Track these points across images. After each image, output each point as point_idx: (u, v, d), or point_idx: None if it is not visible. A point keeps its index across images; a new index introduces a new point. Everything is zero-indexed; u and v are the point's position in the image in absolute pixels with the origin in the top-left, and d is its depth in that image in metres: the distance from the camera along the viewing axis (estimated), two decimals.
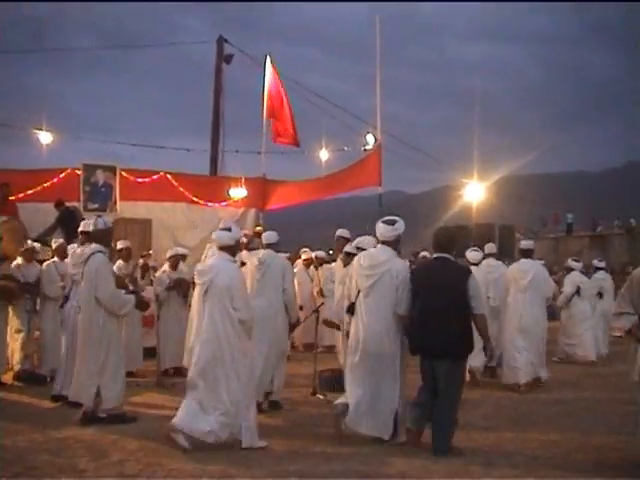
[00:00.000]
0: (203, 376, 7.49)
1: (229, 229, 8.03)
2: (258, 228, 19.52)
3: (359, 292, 7.94)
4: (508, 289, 12.05)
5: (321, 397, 10.42)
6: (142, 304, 9.43)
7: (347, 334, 8.35)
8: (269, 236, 10.27)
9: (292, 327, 10.25)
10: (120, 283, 9.09)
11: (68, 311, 10.03)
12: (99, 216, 9.17)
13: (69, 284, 10.29)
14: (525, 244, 12.48)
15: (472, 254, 12.51)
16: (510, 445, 7.87)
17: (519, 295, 11.84)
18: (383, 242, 8.01)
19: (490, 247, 13.30)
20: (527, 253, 12.19)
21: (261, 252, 10.00)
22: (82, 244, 10.31)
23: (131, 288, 9.38)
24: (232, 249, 7.98)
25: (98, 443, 7.61)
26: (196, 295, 8.48)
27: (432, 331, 7.39)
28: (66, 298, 10.22)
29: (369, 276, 7.84)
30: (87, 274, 8.62)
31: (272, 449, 7.46)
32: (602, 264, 17.78)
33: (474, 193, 29.29)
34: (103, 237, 8.88)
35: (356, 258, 8.31)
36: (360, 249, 9.57)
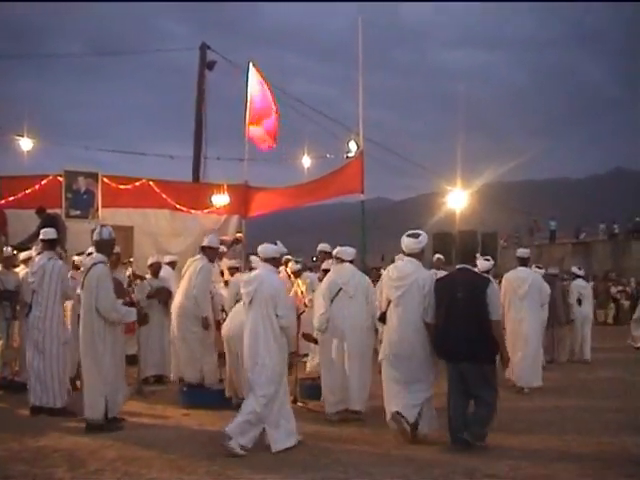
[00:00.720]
0: (248, 380, 8.04)
1: (275, 243, 8.69)
2: (238, 234, 19.52)
3: (389, 302, 8.43)
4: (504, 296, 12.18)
5: (302, 405, 10.39)
6: (143, 318, 9.47)
7: (381, 342, 8.79)
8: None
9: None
10: (120, 293, 9.24)
11: (32, 321, 9.93)
12: (103, 225, 9.25)
13: (29, 293, 10.29)
14: (522, 252, 12.96)
15: (482, 263, 12.33)
16: (492, 454, 7.84)
17: (517, 302, 12.22)
18: (409, 254, 8.57)
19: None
20: (524, 261, 12.72)
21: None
22: (40, 252, 10.32)
23: (132, 300, 9.41)
24: (276, 261, 8.60)
25: (76, 452, 7.56)
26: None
27: (457, 337, 7.91)
28: (29, 307, 10.10)
29: (398, 287, 8.37)
30: (87, 285, 8.69)
31: (251, 459, 7.41)
32: (581, 272, 17.88)
33: (457, 200, 29.32)
34: (106, 247, 9.00)
35: (385, 271, 8.98)
36: (339, 259, 9.79)
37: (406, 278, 8.35)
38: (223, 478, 6.75)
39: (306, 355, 13.51)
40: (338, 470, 7.05)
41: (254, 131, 22.39)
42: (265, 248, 8.51)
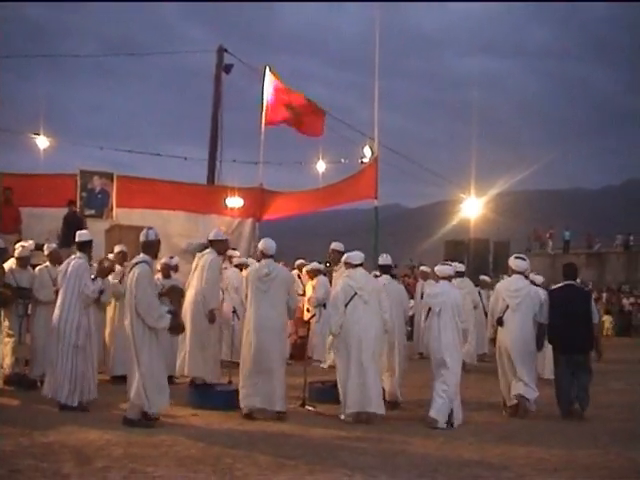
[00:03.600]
0: (448, 368, 9.87)
1: (449, 264, 11.02)
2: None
3: (506, 309, 10.79)
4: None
5: (310, 408, 10.43)
6: (177, 327, 9.53)
7: (492, 340, 11.34)
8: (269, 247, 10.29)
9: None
10: (170, 296, 9.74)
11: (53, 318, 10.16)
12: (150, 228, 9.54)
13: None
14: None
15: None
16: (497, 461, 7.84)
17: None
18: (517, 272, 11.15)
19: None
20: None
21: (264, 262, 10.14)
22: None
23: (171, 308, 9.43)
24: (451, 278, 10.71)
25: (84, 449, 7.59)
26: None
27: (572, 335, 10.54)
28: None
29: (517, 296, 10.84)
30: (128, 283, 9.07)
31: (258, 459, 7.44)
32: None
33: (471, 208, 29.29)
34: (151, 248, 9.31)
35: (500, 284, 11.54)
36: (348, 264, 9.91)
37: (521, 290, 10.89)
38: (229, 477, 6.77)
39: (318, 361, 13.56)
40: (344, 472, 7.06)
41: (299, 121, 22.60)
42: (443, 269, 10.58)
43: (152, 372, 8.89)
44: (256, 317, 9.81)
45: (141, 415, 8.91)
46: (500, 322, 10.87)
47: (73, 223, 16.22)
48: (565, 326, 10.55)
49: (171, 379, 12.24)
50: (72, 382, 9.76)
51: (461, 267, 16.68)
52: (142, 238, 9.31)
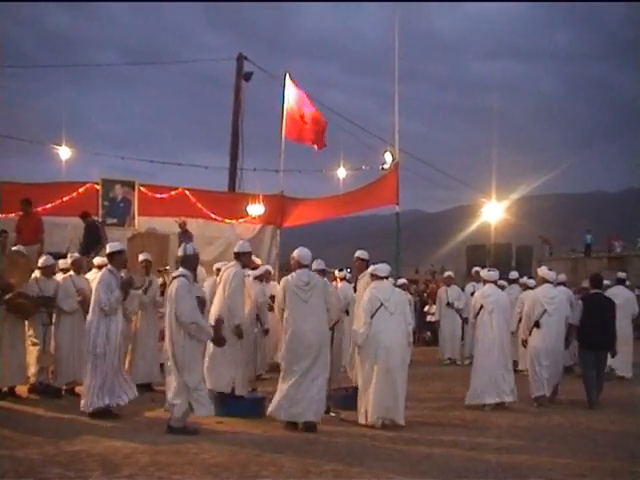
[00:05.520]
0: (497, 361, 11.58)
1: (495, 270, 12.62)
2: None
3: (543, 313, 12.23)
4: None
5: (334, 415, 10.41)
6: (219, 340, 9.61)
7: (524, 343, 12.69)
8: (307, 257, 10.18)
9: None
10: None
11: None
12: (187, 242, 9.89)
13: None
14: (620, 275, 16.76)
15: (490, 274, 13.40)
16: (523, 467, 7.80)
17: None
18: (549, 282, 12.72)
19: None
20: (621, 281, 16.43)
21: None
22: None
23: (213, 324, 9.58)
24: (496, 282, 12.44)
25: (110, 457, 7.60)
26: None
27: (599, 335, 12.12)
28: None
29: (552, 303, 12.35)
30: (169, 296, 9.20)
31: (283, 466, 7.44)
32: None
33: (492, 213, 29.13)
34: (189, 262, 9.40)
35: (536, 292, 12.83)
36: (375, 276, 9.99)
37: (556, 297, 12.56)
38: None
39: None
40: (369, 479, 7.06)
41: (305, 132, 22.69)
42: (490, 274, 12.32)
43: (193, 385, 8.92)
44: (299, 328, 9.63)
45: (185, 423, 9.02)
46: (538, 325, 12.24)
47: (92, 232, 16.29)
48: (594, 328, 12.07)
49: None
50: (92, 388, 9.82)
51: (514, 274, 17.93)
52: (180, 252, 9.48)
